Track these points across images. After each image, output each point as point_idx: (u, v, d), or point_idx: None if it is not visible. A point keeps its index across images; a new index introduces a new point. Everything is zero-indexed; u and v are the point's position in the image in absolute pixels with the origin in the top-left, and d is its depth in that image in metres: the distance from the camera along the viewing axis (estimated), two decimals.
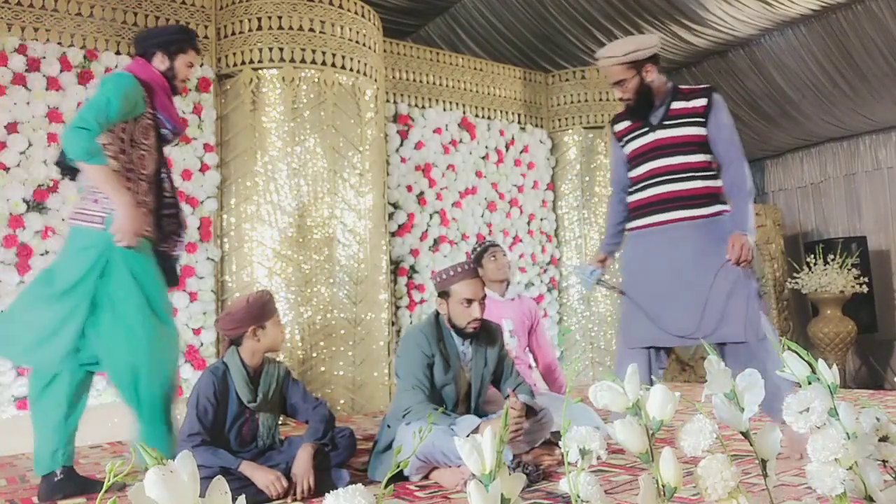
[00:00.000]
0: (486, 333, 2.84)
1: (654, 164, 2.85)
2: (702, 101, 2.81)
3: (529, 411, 2.62)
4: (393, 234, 5.24)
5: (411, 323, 5.22)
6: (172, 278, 2.73)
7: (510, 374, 2.89)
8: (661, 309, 2.79)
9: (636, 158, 2.92)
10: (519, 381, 2.87)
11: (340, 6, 4.70)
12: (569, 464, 1.25)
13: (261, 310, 2.57)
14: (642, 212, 2.90)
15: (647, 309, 2.82)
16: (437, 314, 2.82)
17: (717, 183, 2.82)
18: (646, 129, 2.87)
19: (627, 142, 2.96)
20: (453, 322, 2.75)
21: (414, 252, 5.31)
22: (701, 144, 2.80)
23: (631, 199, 2.96)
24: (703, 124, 2.79)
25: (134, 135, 2.53)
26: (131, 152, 2.52)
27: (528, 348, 3.77)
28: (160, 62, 2.66)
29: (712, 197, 2.79)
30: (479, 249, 3.71)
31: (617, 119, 3.02)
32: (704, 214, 2.78)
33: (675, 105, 2.83)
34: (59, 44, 4.06)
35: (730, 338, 2.68)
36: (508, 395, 2.63)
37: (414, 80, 5.57)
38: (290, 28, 4.55)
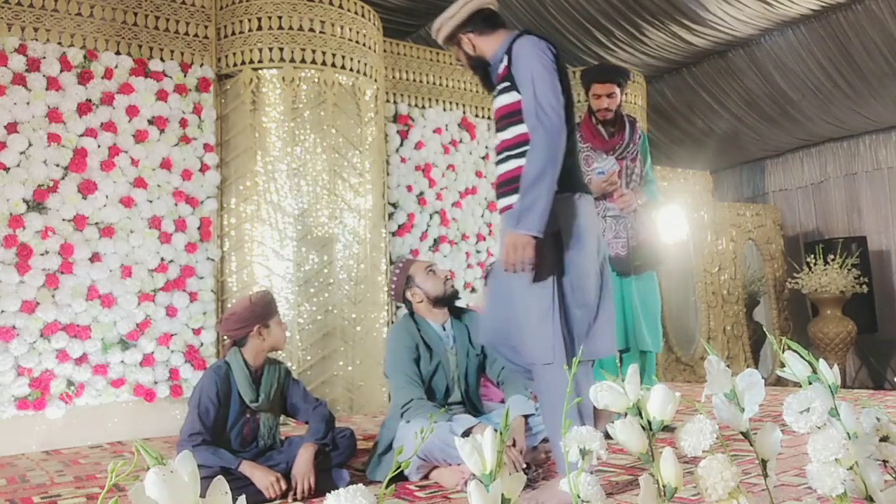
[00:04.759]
0: (463, 314, 2.91)
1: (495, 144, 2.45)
2: (506, 59, 2.30)
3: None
4: (393, 234, 5.24)
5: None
6: None
7: (495, 357, 2.90)
8: None
9: None
10: (504, 365, 2.89)
11: (340, 6, 4.70)
12: (569, 464, 1.25)
13: (264, 309, 2.58)
14: None
15: None
16: (411, 313, 2.88)
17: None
18: None
19: None
20: (432, 296, 2.80)
21: (414, 252, 5.30)
22: (516, 114, 2.27)
23: None
24: (514, 87, 2.27)
25: None
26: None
27: None
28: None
29: (516, 182, 2.24)
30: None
31: None
32: (505, 206, 2.29)
33: (497, 70, 2.37)
34: (59, 44, 4.06)
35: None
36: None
37: (414, 80, 5.57)
38: (290, 28, 4.55)
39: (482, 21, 2.38)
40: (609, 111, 3.43)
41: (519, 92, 2.24)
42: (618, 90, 3.45)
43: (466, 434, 2.25)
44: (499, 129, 2.34)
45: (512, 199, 2.23)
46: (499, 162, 2.35)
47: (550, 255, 2.19)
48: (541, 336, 2.17)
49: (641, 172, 3.53)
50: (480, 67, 2.43)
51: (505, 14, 6.36)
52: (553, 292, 2.18)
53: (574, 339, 2.19)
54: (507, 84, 2.28)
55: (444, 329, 2.84)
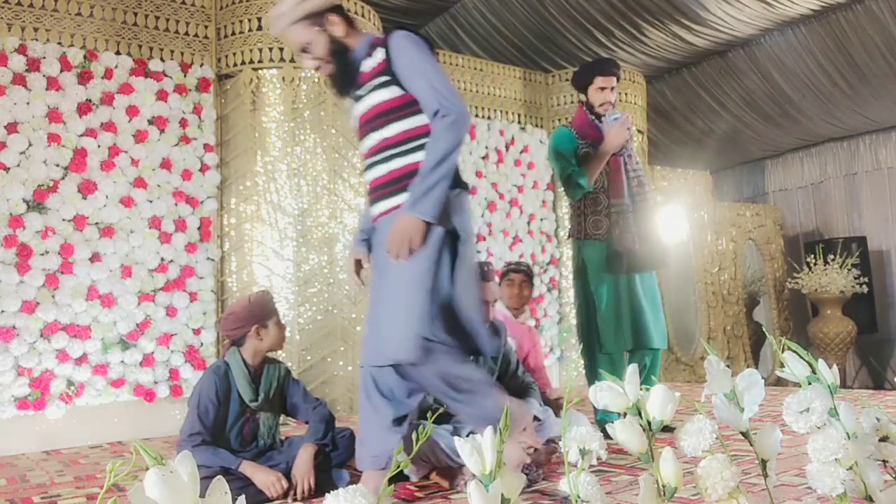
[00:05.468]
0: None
1: (362, 147, 2.30)
2: (382, 53, 2.19)
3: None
4: None
5: None
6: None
7: (514, 370, 2.88)
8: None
9: (360, 140, 2.34)
10: (521, 379, 2.87)
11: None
12: (569, 464, 1.25)
13: (263, 309, 2.58)
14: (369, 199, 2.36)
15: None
16: None
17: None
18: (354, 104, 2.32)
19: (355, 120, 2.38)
20: None
21: None
22: (401, 109, 2.18)
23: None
24: (395, 82, 2.17)
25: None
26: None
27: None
28: (583, 99, 3.53)
29: (411, 177, 2.14)
30: (502, 270, 3.74)
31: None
32: (391, 208, 2.18)
33: (364, 66, 2.24)
34: (59, 44, 4.06)
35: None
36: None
37: None
38: None
39: (344, 12, 2.28)
40: (611, 104, 3.47)
41: (401, 87, 2.16)
42: (616, 84, 3.51)
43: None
44: (376, 127, 2.21)
45: (398, 199, 2.15)
46: (377, 162, 2.22)
47: (446, 253, 2.14)
48: (406, 332, 2.05)
49: (639, 168, 3.54)
50: (339, 56, 2.23)
51: (505, 14, 6.38)
52: (428, 290, 2.08)
53: (457, 338, 2.13)
54: (385, 79, 2.17)
55: None
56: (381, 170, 2.21)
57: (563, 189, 3.53)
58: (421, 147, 2.16)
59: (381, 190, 2.23)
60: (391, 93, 2.18)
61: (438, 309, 2.10)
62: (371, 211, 2.31)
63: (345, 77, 2.26)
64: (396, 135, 2.18)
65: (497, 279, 3.21)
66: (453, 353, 2.13)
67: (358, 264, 2.38)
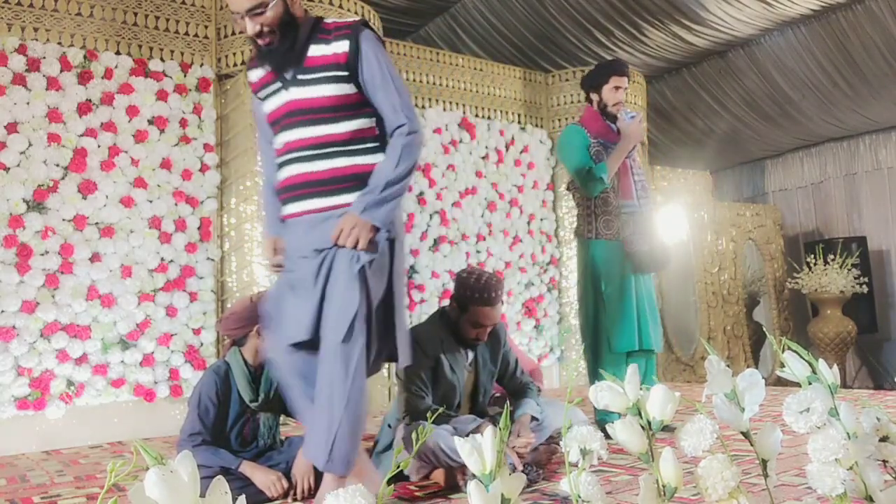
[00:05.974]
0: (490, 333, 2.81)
1: (290, 136, 2.16)
2: (343, 46, 2.09)
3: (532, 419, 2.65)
4: None
5: (410, 324, 5.19)
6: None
7: (514, 371, 2.88)
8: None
9: (274, 125, 2.21)
10: (520, 380, 2.86)
11: (340, 6, 4.70)
12: (569, 464, 1.25)
13: None
14: (283, 197, 2.22)
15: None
16: (443, 312, 2.80)
17: (376, 158, 2.13)
18: (279, 84, 2.16)
19: (265, 99, 2.23)
20: (458, 331, 2.72)
21: (414, 252, 5.30)
22: (354, 107, 2.12)
23: (277, 176, 2.25)
24: (351, 78, 2.10)
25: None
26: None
27: None
28: (594, 99, 3.54)
29: (359, 178, 2.10)
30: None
31: (251, 65, 2.28)
32: (343, 203, 2.10)
33: (314, 51, 2.12)
34: (59, 44, 4.06)
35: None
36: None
37: (414, 80, 5.56)
38: None
39: None
40: (622, 104, 3.52)
41: (358, 85, 2.10)
42: (627, 84, 3.58)
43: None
44: (319, 121, 2.10)
45: (335, 199, 2.10)
46: (315, 157, 2.11)
47: (387, 257, 2.14)
48: (342, 316, 2.03)
49: (642, 171, 3.57)
50: (286, 30, 2.08)
51: (505, 14, 6.38)
52: (364, 291, 2.05)
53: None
54: (343, 73, 2.09)
55: (466, 346, 2.76)
56: (319, 166, 2.12)
57: (564, 188, 3.55)
58: (366, 150, 2.13)
59: (314, 187, 2.13)
60: (347, 88, 2.10)
61: (374, 310, 2.09)
62: (286, 208, 2.21)
63: (284, 54, 2.10)
64: (346, 133, 2.12)
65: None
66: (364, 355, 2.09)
67: (274, 249, 2.28)
